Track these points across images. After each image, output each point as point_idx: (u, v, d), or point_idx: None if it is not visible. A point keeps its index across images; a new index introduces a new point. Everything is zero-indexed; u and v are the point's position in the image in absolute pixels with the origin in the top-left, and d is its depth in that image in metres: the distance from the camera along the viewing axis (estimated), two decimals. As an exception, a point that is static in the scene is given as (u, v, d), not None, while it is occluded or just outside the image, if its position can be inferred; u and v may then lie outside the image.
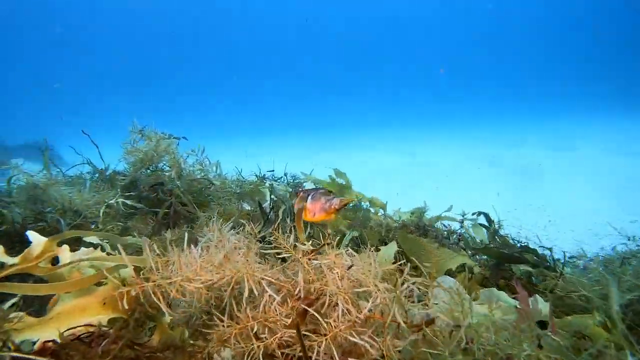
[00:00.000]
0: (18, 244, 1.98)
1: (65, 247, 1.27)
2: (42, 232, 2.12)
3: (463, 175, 7.73)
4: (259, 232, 2.35)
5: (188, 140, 2.83)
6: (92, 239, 1.46)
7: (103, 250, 1.37)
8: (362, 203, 2.91)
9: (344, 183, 3.07)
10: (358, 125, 16.91)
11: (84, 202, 2.09)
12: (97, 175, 2.65)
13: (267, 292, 1.05)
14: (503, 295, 1.50)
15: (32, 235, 1.25)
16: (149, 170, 2.61)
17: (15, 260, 1.15)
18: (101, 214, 2.06)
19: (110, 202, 2.11)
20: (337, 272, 1.10)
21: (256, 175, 2.89)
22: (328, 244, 1.24)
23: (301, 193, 1.36)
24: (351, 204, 2.89)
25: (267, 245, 1.33)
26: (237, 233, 1.60)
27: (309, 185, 2.76)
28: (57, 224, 2.07)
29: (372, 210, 2.96)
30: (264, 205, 2.49)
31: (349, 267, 1.12)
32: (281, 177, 3.05)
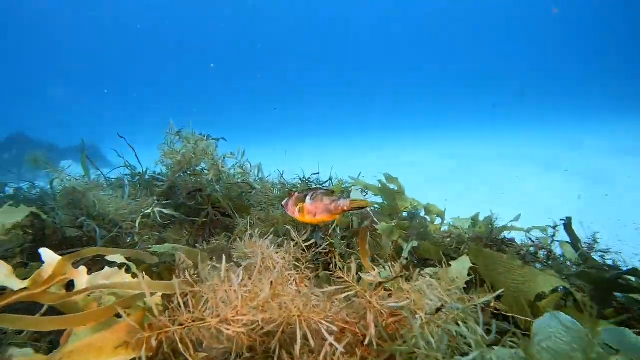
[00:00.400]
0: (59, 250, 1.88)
1: (82, 269, 1.07)
2: (78, 241, 2.10)
3: (516, 181, 7.04)
4: (306, 240, 2.08)
5: (227, 141, 2.66)
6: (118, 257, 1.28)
7: (129, 270, 1.19)
8: (417, 210, 2.59)
9: (396, 189, 2.75)
10: (399, 128, 16.37)
11: (119, 211, 1.96)
12: (136, 178, 2.54)
13: (327, 339, 0.79)
14: (632, 336, 1.13)
15: (44, 253, 1.06)
16: (187, 174, 2.46)
17: (25, 284, 1.00)
18: (137, 225, 1.91)
19: (147, 211, 1.96)
20: (421, 317, 0.82)
21: (300, 179, 2.65)
22: (401, 276, 0.96)
23: (296, 194, 1.30)
24: (405, 212, 2.59)
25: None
26: (281, 245, 1.38)
27: (355, 194, 2.48)
28: (93, 233, 1.96)
29: (427, 218, 2.63)
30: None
31: (438, 310, 0.83)
32: (326, 180, 2.79)
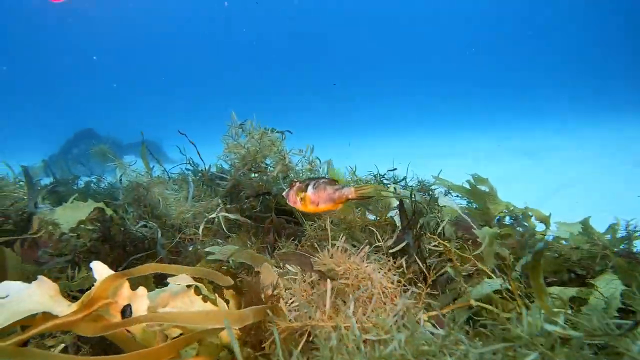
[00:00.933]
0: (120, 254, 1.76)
1: (142, 292, 0.86)
2: (141, 243, 1.87)
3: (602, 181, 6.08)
4: (390, 248, 1.82)
5: (292, 133, 2.42)
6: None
7: (198, 292, 0.97)
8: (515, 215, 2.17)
9: (487, 191, 2.35)
10: (461, 122, 15.37)
11: (182, 215, 1.79)
12: (199, 175, 2.38)
13: None
14: None
15: (97, 268, 0.85)
16: (251, 171, 2.25)
17: (73, 307, 0.81)
18: (200, 232, 1.72)
19: (211, 216, 1.77)
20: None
21: (374, 176, 2.35)
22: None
23: (297, 183, 1.29)
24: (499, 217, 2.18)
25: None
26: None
27: (441, 197, 2.13)
28: (155, 235, 1.80)
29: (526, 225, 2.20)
30: (392, 215, 1.94)
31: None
32: (403, 178, 2.46)
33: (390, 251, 1.74)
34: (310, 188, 1.25)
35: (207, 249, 1.60)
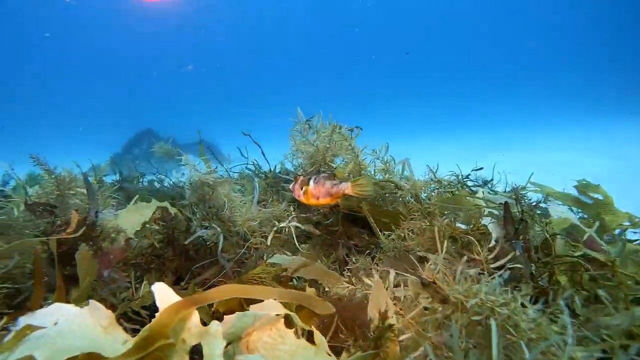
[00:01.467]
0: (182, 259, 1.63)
1: (216, 327, 0.68)
2: (201, 252, 1.65)
3: None
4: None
5: (363, 130, 2.18)
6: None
7: (290, 322, 0.76)
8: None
9: (601, 199, 1.94)
10: (541, 122, 14.16)
11: (246, 223, 1.62)
12: (262, 176, 2.23)
13: None
14: None
15: (158, 290, 0.70)
16: (321, 170, 2.05)
17: (128, 345, 0.64)
18: (269, 242, 1.55)
19: (282, 225, 1.58)
20: None
21: (456, 176, 2.04)
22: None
23: (301, 177, 1.34)
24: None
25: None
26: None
27: (554, 208, 1.78)
28: (217, 239, 1.65)
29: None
30: (486, 224, 1.63)
31: None
32: (489, 180, 2.12)
33: (493, 266, 1.45)
34: (311, 182, 1.28)
35: (271, 260, 1.42)
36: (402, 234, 1.68)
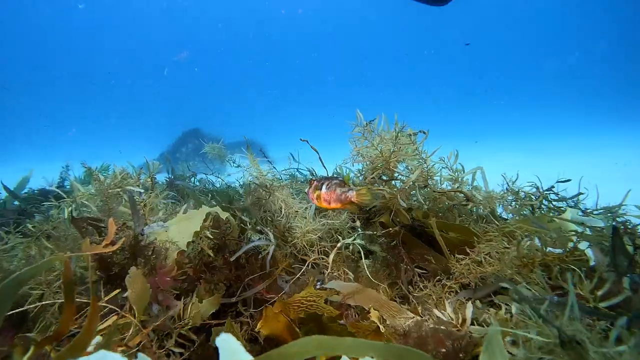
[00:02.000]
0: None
1: None
2: (252, 262, 1.48)
3: None
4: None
5: (426, 134, 1.99)
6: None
7: None
8: None
9: None
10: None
11: (306, 237, 1.49)
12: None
13: None
14: None
15: (224, 345, 0.57)
16: (381, 179, 1.89)
17: None
18: (330, 260, 1.40)
19: (346, 242, 1.43)
20: None
21: (537, 189, 1.78)
22: None
23: (315, 182, 1.36)
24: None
25: None
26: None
27: None
28: (271, 248, 1.53)
29: None
30: (585, 249, 1.38)
31: None
32: (576, 194, 1.83)
33: (603, 305, 1.21)
34: (324, 188, 1.32)
35: (328, 285, 1.28)
36: (479, 258, 1.47)
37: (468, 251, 1.49)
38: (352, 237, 1.51)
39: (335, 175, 1.56)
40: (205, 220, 1.49)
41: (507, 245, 1.43)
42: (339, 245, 1.34)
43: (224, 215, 1.53)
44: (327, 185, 1.36)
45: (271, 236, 1.59)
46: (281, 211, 1.65)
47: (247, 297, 1.42)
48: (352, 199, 1.33)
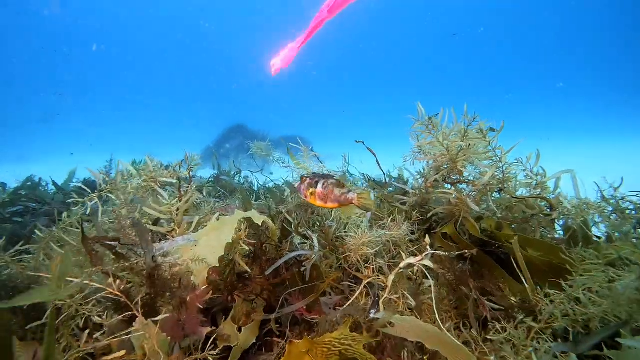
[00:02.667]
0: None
1: None
2: (293, 271, 1.22)
3: None
4: None
5: (495, 130, 1.70)
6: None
7: None
8: None
9: None
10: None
11: (360, 250, 1.28)
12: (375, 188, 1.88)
13: None
14: None
15: None
16: (446, 181, 1.64)
17: None
18: (389, 282, 1.14)
19: (410, 261, 1.17)
20: None
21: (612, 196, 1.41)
22: None
23: (308, 179, 1.34)
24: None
25: None
26: None
27: None
28: (316, 260, 1.34)
29: None
30: None
31: None
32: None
33: None
34: (319, 186, 1.30)
35: (380, 315, 1.05)
36: (576, 294, 1.15)
37: (561, 283, 1.18)
38: (411, 249, 1.28)
39: (329, 174, 1.44)
40: (238, 228, 1.33)
41: (615, 275, 1.13)
42: (401, 265, 1.12)
43: (260, 219, 1.36)
44: (324, 183, 1.31)
45: (316, 243, 1.41)
46: (331, 214, 1.47)
47: (284, 314, 1.26)
48: (353, 202, 1.27)
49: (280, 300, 1.28)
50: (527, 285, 1.18)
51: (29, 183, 2.92)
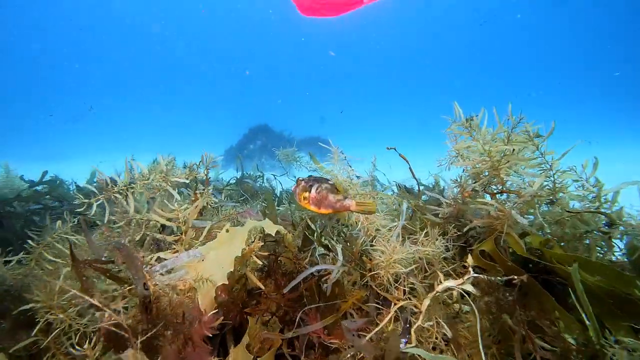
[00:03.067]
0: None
1: None
2: (310, 285, 0.94)
3: None
4: None
5: (554, 127, 1.49)
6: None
7: None
8: None
9: None
10: None
11: (392, 268, 1.13)
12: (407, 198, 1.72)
13: None
14: None
15: None
16: (486, 191, 1.46)
17: None
18: (424, 308, 0.98)
19: (448, 285, 0.99)
20: None
21: None
22: None
23: (302, 182, 1.28)
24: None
25: None
26: None
27: None
28: (338, 275, 1.20)
29: None
30: None
31: None
32: None
33: None
34: (313, 191, 1.23)
35: (411, 350, 0.89)
36: None
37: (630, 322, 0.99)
38: (445, 269, 1.12)
39: (324, 177, 1.33)
40: (249, 240, 1.21)
41: None
42: (438, 288, 0.97)
43: (273, 229, 1.24)
44: (317, 188, 1.25)
45: (340, 255, 1.28)
46: (357, 224, 1.33)
47: (299, 335, 1.13)
48: (351, 208, 1.20)
49: (297, 319, 1.16)
50: (588, 323, 0.98)
51: (50, 181, 2.95)
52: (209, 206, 1.53)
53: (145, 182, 1.36)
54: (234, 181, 3.32)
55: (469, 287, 1.02)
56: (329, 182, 1.26)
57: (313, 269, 1.19)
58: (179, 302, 0.84)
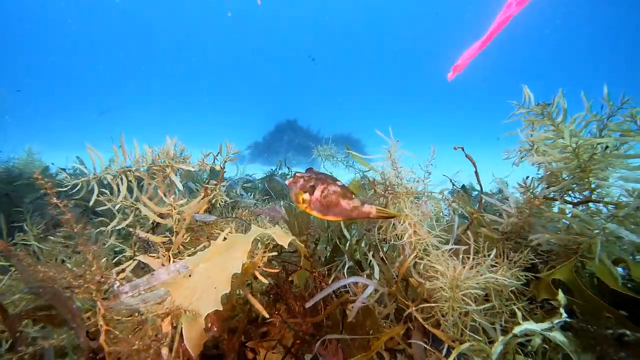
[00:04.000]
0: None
1: None
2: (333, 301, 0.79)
3: None
4: None
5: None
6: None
7: None
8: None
9: None
10: None
11: (436, 293, 0.84)
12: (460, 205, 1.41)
13: None
14: None
15: None
16: (564, 200, 1.13)
17: None
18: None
19: (529, 328, 0.71)
20: None
21: None
22: None
23: (301, 180, 1.04)
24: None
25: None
26: None
27: None
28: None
29: None
30: None
31: None
32: None
33: None
34: (317, 193, 1.00)
35: None
36: None
37: None
38: (517, 305, 0.81)
39: (329, 175, 1.05)
40: (253, 252, 0.91)
41: None
42: (516, 331, 0.68)
43: (286, 240, 0.96)
44: (322, 190, 1.02)
45: (377, 275, 1.00)
46: (400, 238, 1.05)
47: None
48: (371, 216, 0.99)
49: (314, 351, 0.89)
50: None
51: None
52: (219, 205, 1.31)
53: (144, 165, 1.16)
54: (265, 176, 3.14)
55: (559, 336, 0.71)
56: (337, 182, 1.01)
57: (344, 282, 0.92)
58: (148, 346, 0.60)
